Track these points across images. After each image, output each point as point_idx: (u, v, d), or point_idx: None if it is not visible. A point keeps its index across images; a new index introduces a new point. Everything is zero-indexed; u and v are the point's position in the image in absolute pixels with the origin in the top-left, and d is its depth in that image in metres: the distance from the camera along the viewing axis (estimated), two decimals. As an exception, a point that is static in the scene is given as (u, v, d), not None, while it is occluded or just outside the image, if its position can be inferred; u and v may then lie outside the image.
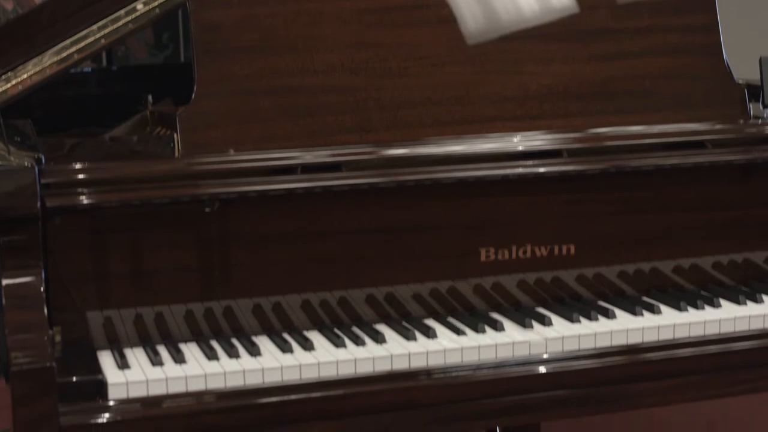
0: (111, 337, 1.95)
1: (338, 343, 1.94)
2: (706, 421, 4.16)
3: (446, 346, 1.95)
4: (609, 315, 2.09)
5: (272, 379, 1.85)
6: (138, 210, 1.92)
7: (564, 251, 2.15)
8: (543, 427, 2.48)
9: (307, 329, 2.03)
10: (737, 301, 2.18)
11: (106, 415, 1.77)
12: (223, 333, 1.99)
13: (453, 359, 1.94)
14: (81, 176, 1.89)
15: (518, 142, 2.11)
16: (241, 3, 2.04)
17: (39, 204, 1.83)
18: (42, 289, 1.83)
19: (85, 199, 1.88)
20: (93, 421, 1.77)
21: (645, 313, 2.12)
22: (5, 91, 2.11)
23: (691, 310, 2.14)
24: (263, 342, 1.96)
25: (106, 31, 2.12)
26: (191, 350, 1.93)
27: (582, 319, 2.08)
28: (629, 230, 2.20)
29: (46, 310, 1.82)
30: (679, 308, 2.14)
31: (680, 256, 2.25)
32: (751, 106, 2.31)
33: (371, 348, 1.94)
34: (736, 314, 2.12)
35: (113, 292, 1.94)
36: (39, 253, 1.85)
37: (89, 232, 1.91)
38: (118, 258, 1.93)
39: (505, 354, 1.97)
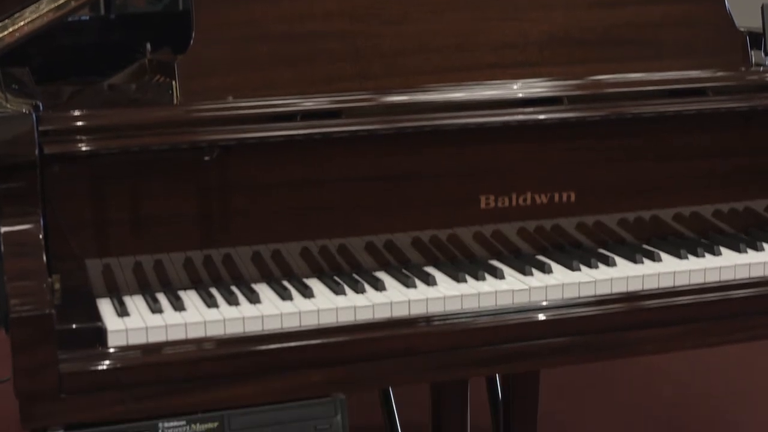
0: (110, 285, 1.95)
1: (338, 291, 1.94)
2: (705, 370, 4.18)
3: (446, 294, 1.95)
4: (609, 262, 2.09)
5: (272, 326, 1.85)
6: (137, 157, 1.91)
7: (564, 198, 2.14)
8: (543, 374, 2.48)
9: (307, 277, 2.02)
10: (737, 249, 2.18)
11: (106, 362, 1.77)
12: (223, 281, 1.99)
13: (452, 306, 1.94)
14: (79, 123, 1.88)
15: (518, 89, 2.10)
16: None
17: (37, 151, 1.83)
18: (41, 236, 1.82)
19: (83, 146, 1.87)
20: (93, 368, 1.77)
21: (645, 260, 2.12)
22: (2, 39, 2.10)
23: (691, 257, 2.14)
24: (263, 289, 1.96)
25: (104, -23, 2.11)
26: (191, 298, 1.93)
27: (582, 266, 2.07)
28: (630, 178, 2.20)
29: (45, 258, 1.81)
30: (679, 256, 2.14)
31: (681, 204, 2.25)
32: (752, 53, 2.30)
33: (371, 295, 1.94)
34: (737, 262, 2.12)
35: (112, 240, 1.93)
36: (37, 200, 1.84)
37: (88, 180, 1.90)
38: (117, 206, 1.93)
39: (504, 301, 1.97)
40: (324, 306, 1.89)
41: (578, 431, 3.70)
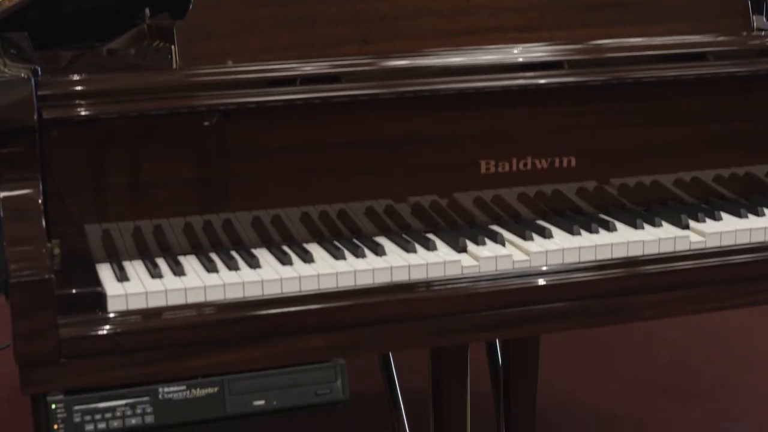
0: (110, 251, 1.94)
1: (338, 255, 1.94)
2: (705, 336, 4.18)
3: (446, 258, 1.95)
4: (609, 227, 2.09)
5: (272, 291, 1.85)
6: (136, 122, 1.91)
7: (564, 163, 2.14)
8: (543, 340, 2.48)
9: (307, 242, 2.02)
10: (738, 214, 2.17)
11: (106, 327, 1.77)
12: (223, 246, 1.99)
13: (452, 271, 1.93)
14: (78, 88, 1.88)
15: (519, 53, 2.09)
16: None
17: (36, 116, 1.82)
18: (40, 201, 1.82)
19: (82, 111, 1.87)
20: (92, 333, 1.76)
21: (646, 225, 2.11)
22: (0, 4, 2.08)
23: (691, 223, 2.14)
24: (263, 254, 1.96)
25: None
26: (190, 263, 1.93)
27: (582, 231, 2.07)
28: (630, 143, 2.19)
29: (44, 223, 1.81)
30: (679, 221, 2.13)
31: (681, 169, 2.24)
32: (754, 18, 2.29)
33: (371, 260, 1.94)
34: (737, 227, 2.12)
35: (112, 205, 1.93)
36: (36, 165, 1.84)
37: (87, 145, 1.90)
38: (117, 171, 1.92)
39: (505, 266, 1.96)
40: (324, 271, 1.89)
41: (578, 396, 3.71)
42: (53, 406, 1.76)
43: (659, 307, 2.06)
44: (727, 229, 2.11)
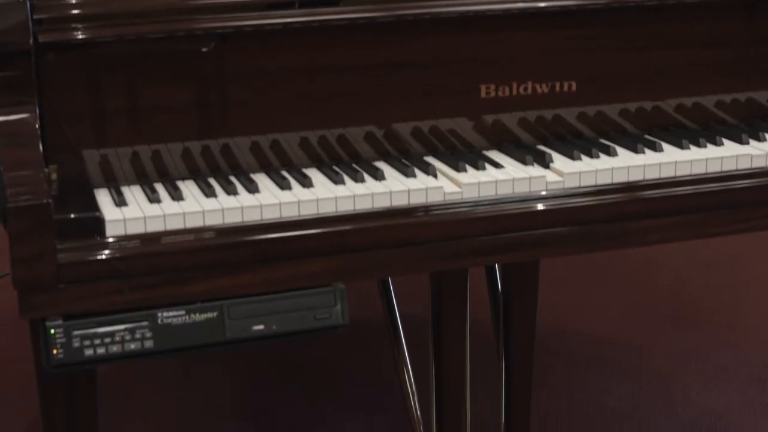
0: (108, 176, 1.94)
1: (337, 180, 1.93)
2: (704, 263, 4.19)
3: (446, 183, 1.94)
4: (610, 152, 2.08)
5: (271, 215, 1.85)
6: (133, 46, 1.89)
7: (565, 88, 2.12)
8: (542, 267, 2.48)
9: (306, 167, 2.01)
10: (740, 140, 2.16)
11: (105, 252, 1.77)
12: (221, 171, 1.98)
13: (453, 196, 1.93)
14: (74, 11, 1.86)
15: (520, -24, 2.07)
16: None
17: (31, 40, 1.81)
18: (37, 126, 1.81)
19: (78, 35, 1.85)
20: (91, 258, 1.76)
21: (647, 150, 2.10)
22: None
23: (693, 147, 2.13)
24: (261, 179, 1.95)
25: None
26: (189, 188, 1.92)
27: (583, 156, 2.06)
28: (631, 67, 2.17)
29: (41, 148, 1.80)
30: (681, 146, 2.12)
31: (683, 95, 2.23)
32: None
33: (370, 184, 1.93)
34: (739, 152, 2.11)
35: (109, 131, 1.92)
36: (33, 90, 1.83)
37: (84, 69, 1.89)
38: (114, 95, 1.91)
39: (505, 191, 1.95)
40: (323, 195, 1.88)
41: (577, 323, 3.72)
42: (52, 331, 1.75)
43: (659, 232, 2.05)
44: (728, 154, 2.09)
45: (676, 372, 3.36)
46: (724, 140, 2.16)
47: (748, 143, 2.16)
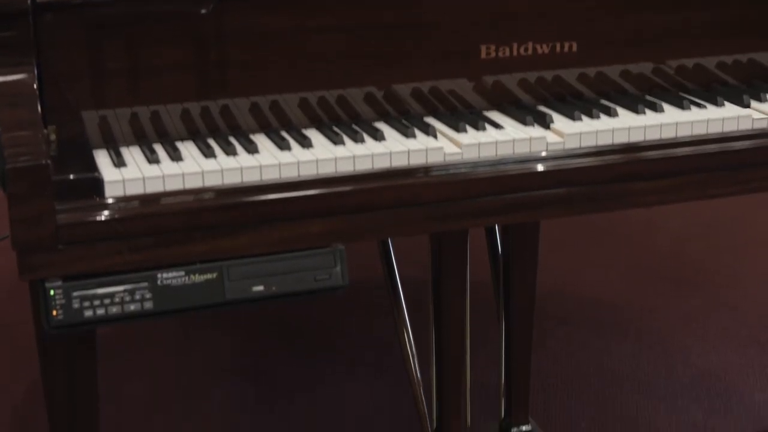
0: (107, 137, 1.93)
1: (337, 141, 1.93)
2: (704, 224, 4.19)
3: (446, 144, 1.93)
4: (611, 113, 2.07)
5: (270, 176, 1.84)
6: (132, 6, 1.88)
7: (566, 48, 2.11)
8: (543, 228, 2.48)
9: (305, 128, 2.01)
10: (741, 101, 2.15)
11: (104, 213, 1.76)
12: (221, 132, 1.97)
13: (453, 157, 1.92)
14: (72, -29, 1.85)
15: (520, -66, 2.06)
16: None
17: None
18: (35, 86, 1.80)
19: (76, -6, 1.84)
20: (90, 218, 1.75)
21: (648, 111, 2.10)
22: None
23: (694, 108, 2.12)
24: (261, 140, 1.94)
25: None
26: (188, 149, 1.91)
27: (583, 117, 2.06)
28: (632, 28, 2.16)
29: (40, 109, 1.79)
30: (682, 107, 2.12)
31: (684, 56, 2.22)
32: None
33: (370, 145, 1.92)
34: (740, 113, 2.10)
35: (108, 91, 1.91)
36: (31, 50, 1.81)
37: (82, 29, 1.87)
38: (112, 56, 1.90)
39: (505, 152, 1.95)
40: (323, 156, 1.87)
41: (578, 284, 3.73)
42: (51, 292, 1.75)
43: (659, 193, 2.05)
44: (729, 115, 2.09)
45: (676, 333, 3.36)
46: (726, 101, 2.16)
47: (749, 104, 2.15)
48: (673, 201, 2.11)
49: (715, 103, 2.14)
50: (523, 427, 2.49)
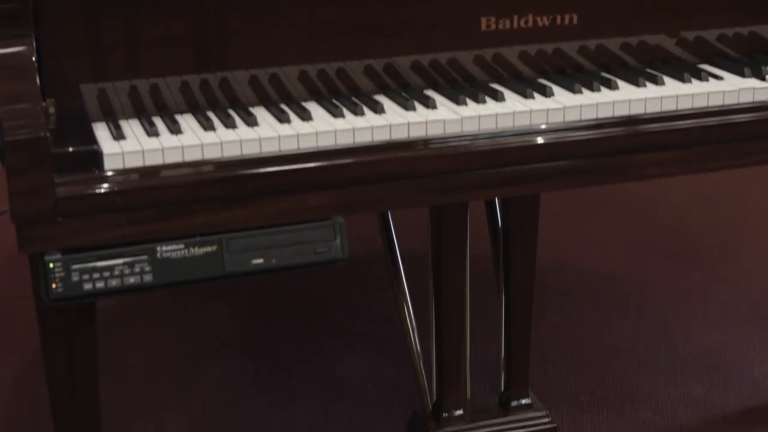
0: (106, 110, 1.92)
1: (336, 113, 1.92)
2: (705, 198, 4.19)
3: (446, 116, 1.93)
4: (611, 86, 2.07)
5: (270, 149, 1.84)
6: (130, -22, 1.87)
7: (566, 21, 2.11)
8: (543, 202, 2.47)
9: (305, 100, 2.00)
10: (742, 74, 2.15)
11: (104, 185, 1.76)
12: (220, 104, 1.97)
13: (452, 129, 1.92)
14: (70, -58, 1.84)
15: None
16: None
17: (28, -29, 1.79)
18: (33, 58, 1.80)
19: (74, -35, 1.83)
20: (89, 191, 1.75)
21: (648, 84, 2.09)
22: None
23: (695, 81, 2.11)
24: (260, 113, 1.94)
25: None
26: (187, 121, 1.91)
27: (584, 89, 2.05)
28: (632, 1, 2.16)
29: (38, 81, 1.79)
30: (682, 79, 2.11)
31: (684, 28, 2.21)
32: None
33: (370, 118, 1.92)
34: (741, 86, 2.09)
35: (107, 64, 1.90)
36: (30, 22, 1.81)
37: (81, 1, 1.86)
38: (111, 28, 1.89)
39: (505, 124, 1.94)
40: (322, 129, 1.87)
41: (578, 257, 3.72)
42: (51, 265, 1.75)
43: (660, 166, 2.05)
44: (729, 88, 2.08)
45: (676, 308, 3.36)
46: (726, 74, 2.15)
47: (750, 77, 2.14)
48: (674, 174, 2.11)
49: (716, 75, 2.13)
50: (523, 400, 2.49)
